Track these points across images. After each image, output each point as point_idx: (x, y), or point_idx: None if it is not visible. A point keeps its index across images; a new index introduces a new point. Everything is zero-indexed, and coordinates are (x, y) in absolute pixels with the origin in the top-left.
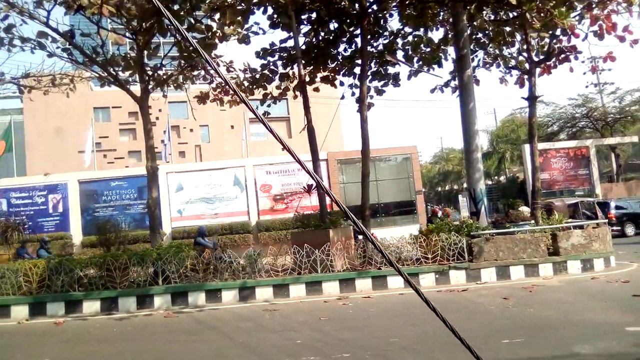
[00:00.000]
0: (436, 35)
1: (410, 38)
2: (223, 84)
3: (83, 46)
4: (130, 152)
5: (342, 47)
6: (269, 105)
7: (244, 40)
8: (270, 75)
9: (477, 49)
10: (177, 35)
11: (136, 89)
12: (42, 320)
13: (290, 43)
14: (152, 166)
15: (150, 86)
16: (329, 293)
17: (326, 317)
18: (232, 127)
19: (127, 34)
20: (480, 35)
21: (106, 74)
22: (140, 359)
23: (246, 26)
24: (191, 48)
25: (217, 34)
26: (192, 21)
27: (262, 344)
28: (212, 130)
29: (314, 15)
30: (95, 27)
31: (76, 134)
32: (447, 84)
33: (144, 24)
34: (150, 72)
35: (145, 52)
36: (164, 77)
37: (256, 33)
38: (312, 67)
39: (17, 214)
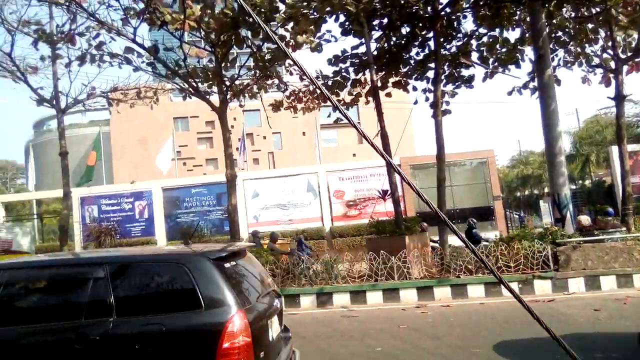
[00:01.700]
0: (512, 35)
1: (485, 39)
2: (297, 92)
3: (166, 60)
4: (207, 160)
5: (414, 51)
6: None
7: (317, 48)
8: (343, 81)
9: (557, 47)
10: (253, 46)
11: (215, 99)
12: None
13: (362, 49)
14: (231, 174)
15: (228, 96)
16: (407, 301)
17: (405, 325)
18: (304, 133)
19: (207, 47)
20: (560, 33)
21: (187, 86)
22: None
23: (318, 34)
24: (267, 57)
25: (291, 43)
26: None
27: (341, 350)
28: (284, 137)
29: (385, 20)
30: (174, 41)
31: (158, 143)
32: (525, 85)
33: (222, 36)
34: (227, 83)
35: (223, 64)
36: (241, 87)
37: (328, 41)
38: (384, 72)
39: (107, 219)
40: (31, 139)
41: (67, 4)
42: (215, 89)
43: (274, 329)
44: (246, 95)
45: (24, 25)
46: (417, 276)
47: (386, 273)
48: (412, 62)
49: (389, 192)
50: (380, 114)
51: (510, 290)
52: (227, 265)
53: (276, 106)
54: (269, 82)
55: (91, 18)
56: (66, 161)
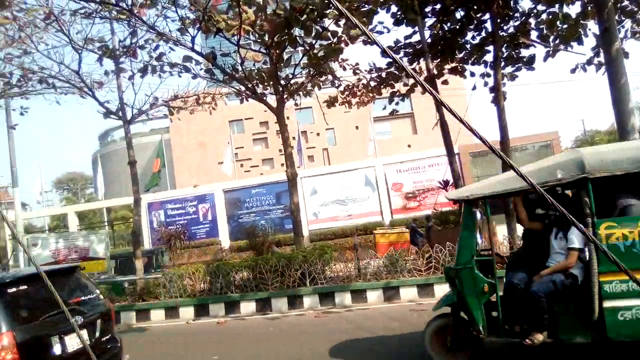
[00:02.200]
0: (573, 9)
1: (544, 16)
2: (351, 87)
3: (223, 65)
4: (263, 160)
5: (469, 35)
6: (397, 103)
7: (370, 42)
8: (397, 72)
9: (623, 18)
10: (306, 45)
11: (271, 100)
12: (206, 320)
13: (415, 38)
14: (292, 172)
15: (284, 96)
16: None
17: None
18: (357, 127)
19: (261, 49)
20: (626, 2)
21: (245, 89)
22: (299, 358)
23: (370, 27)
24: (320, 55)
25: (343, 38)
26: (320, 29)
27: (414, 343)
28: (337, 132)
29: (438, 6)
30: (229, 46)
31: (216, 147)
32: (589, 62)
33: (275, 38)
34: (283, 83)
35: (278, 65)
36: (296, 86)
37: (380, 32)
38: (439, 59)
39: (173, 223)
40: (97, 150)
41: (128, 19)
42: (271, 90)
43: (70, 344)
44: (300, 93)
45: (89, 43)
46: None
47: None
48: (468, 46)
49: (451, 181)
50: (438, 103)
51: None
52: (9, 290)
53: (331, 102)
54: (323, 78)
55: (151, 30)
56: (135, 169)
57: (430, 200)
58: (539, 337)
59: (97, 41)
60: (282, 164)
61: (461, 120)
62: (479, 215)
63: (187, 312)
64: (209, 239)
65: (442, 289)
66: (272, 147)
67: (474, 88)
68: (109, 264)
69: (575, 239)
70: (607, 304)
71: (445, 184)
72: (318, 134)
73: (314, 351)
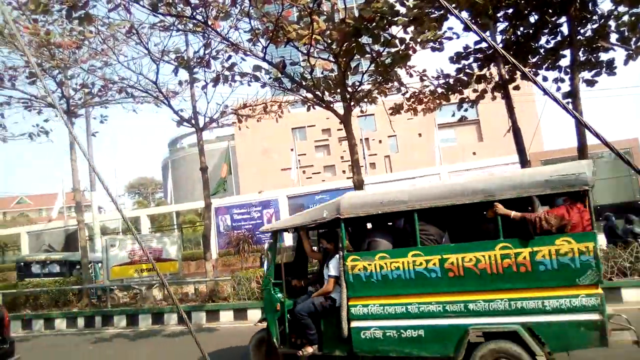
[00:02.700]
0: None
1: (625, 18)
2: (418, 94)
3: (292, 74)
4: (325, 167)
5: (543, 39)
6: (466, 110)
7: (439, 48)
8: (466, 78)
9: None
10: (373, 52)
11: (337, 107)
12: None
13: (486, 43)
14: (358, 179)
15: (352, 103)
16: None
17: None
18: (420, 135)
19: (329, 58)
20: None
21: (313, 97)
22: None
23: (439, 32)
24: (387, 62)
25: (410, 45)
26: (388, 37)
27: None
28: (400, 139)
29: (510, 10)
30: (295, 55)
31: (279, 153)
32: None
33: (344, 46)
34: (350, 90)
35: (346, 72)
36: (362, 93)
37: (450, 38)
38: (511, 64)
39: (239, 228)
40: (167, 157)
41: (203, 31)
42: (338, 97)
43: None
44: (366, 101)
45: (165, 55)
46: None
47: None
48: (541, 51)
49: None
50: (511, 109)
51: None
52: None
53: (396, 109)
54: (389, 86)
55: (224, 41)
56: (206, 175)
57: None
58: (309, 350)
59: (173, 52)
60: (344, 171)
61: (586, 125)
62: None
63: (255, 315)
64: None
65: None
66: (333, 154)
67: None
68: (180, 265)
69: (332, 267)
70: (354, 324)
71: None
72: (380, 141)
73: None
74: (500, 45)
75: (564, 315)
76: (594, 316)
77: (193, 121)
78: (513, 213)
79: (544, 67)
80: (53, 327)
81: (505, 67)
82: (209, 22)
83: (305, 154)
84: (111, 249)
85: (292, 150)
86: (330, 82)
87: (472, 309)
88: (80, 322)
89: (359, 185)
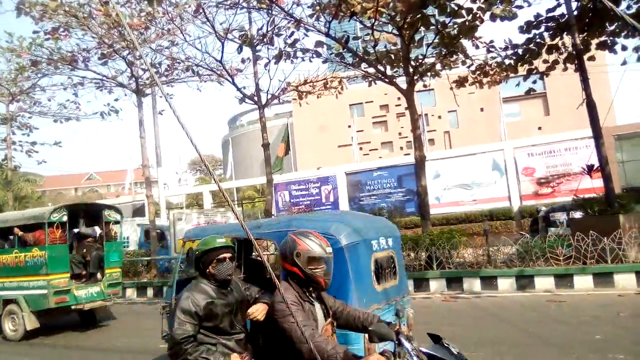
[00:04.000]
0: None
1: None
2: (484, 66)
3: (356, 49)
4: (382, 144)
5: (624, 4)
6: (534, 82)
7: (510, 16)
8: (536, 49)
9: None
10: (438, 24)
11: (400, 82)
12: None
13: (559, 11)
14: (420, 155)
15: (415, 77)
16: (623, 286)
17: (626, 313)
18: (482, 109)
19: (393, 31)
20: None
21: (375, 72)
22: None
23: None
24: (453, 33)
25: (478, 16)
26: (455, 7)
27: (554, 335)
28: (460, 114)
29: None
30: (355, 30)
31: (336, 130)
32: None
33: (408, 18)
34: (414, 64)
35: (410, 46)
36: (426, 67)
37: (520, 7)
38: (585, 34)
39: (297, 204)
40: (227, 134)
41: (268, 7)
42: (400, 71)
43: None
44: (429, 74)
45: (229, 33)
46: (636, 259)
47: (597, 255)
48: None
49: (596, 166)
50: (585, 81)
51: None
52: None
53: (460, 82)
54: (453, 58)
55: (288, 17)
56: (268, 151)
57: (565, 187)
58: None
59: (237, 30)
60: (401, 148)
61: None
62: None
63: None
64: None
65: (582, 280)
66: (391, 130)
67: (624, 63)
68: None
69: None
70: None
71: (589, 169)
72: (439, 117)
73: (444, 333)
74: (576, 12)
75: (36, 290)
76: (43, 291)
77: (255, 98)
78: (20, 233)
79: (622, 34)
80: (124, 295)
81: (580, 36)
82: None
83: (362, 130)
84: (178, 222)
85: (349, 126)
86: (393, 56)
87: (2, 286)
88: (150, 292)
89: (420, 161)
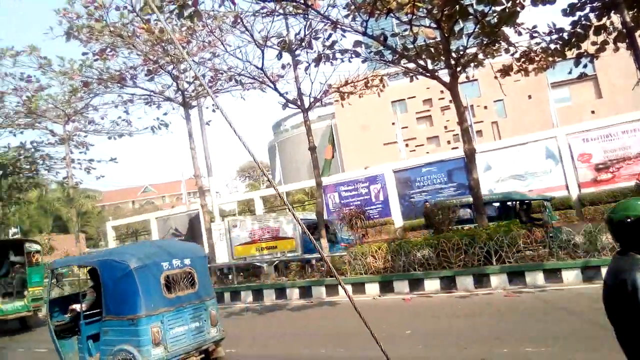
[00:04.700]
0: None
1: None
2: (528, 53)
3: (395, 46)
4: (428, 139)
5: None
6: (585, 66)
7: (550, 0)
8: (582, 31)
9: None
10: (477, 14)
11: (442, 75)
12: (391, 297)
13: None
14: (469, 148)
15: (458, 69)
16: None
17: None
18: (530, 97)
19: (431, 25)
20: None
21: (416, 67)
22: (495, 335)
23: None
24: (493, 22)
25: (518, 2)
26: None
27: None
28: (507, 103)
29: None
30: (391, 27)
31: (379, 128)
32: None
33: (445, 10)
34: (455, 56)
35: (449, 38)
36: (468, 58)
37: None
38: (635, 10)
39: (347, 204)
40: (272, 139)
41: (304, 12)
42: (442, 65)
43: None
44: (472, 65)
45: (268, 40)
46: None
47: None
48: None
49: None
50: (638, 59)
51: None
52: None
53: (505, 71)
54: (496, 47)
55: (324, 20)
56: (315, 154)
57: (626, 172)
58: None
59: (275, 37)
60: (449, 142)
61: None
62: None
63: (372, 289)
64: (382, 218)
65: None
66: (436, 124)
67: None
68: (297, 243)
69: None
70: None
71: None
72: (485, 107)
73: (513, 329)
74: None
75: None
76: None
77: (298, 102)
78: None
79: None
80: None
81: (630, 13)
82: (309, 3)
83: (407, 127)
84: (233, 229)
85: (393, 124)
86: (433, 49)
87: None
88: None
89: (470, 154)
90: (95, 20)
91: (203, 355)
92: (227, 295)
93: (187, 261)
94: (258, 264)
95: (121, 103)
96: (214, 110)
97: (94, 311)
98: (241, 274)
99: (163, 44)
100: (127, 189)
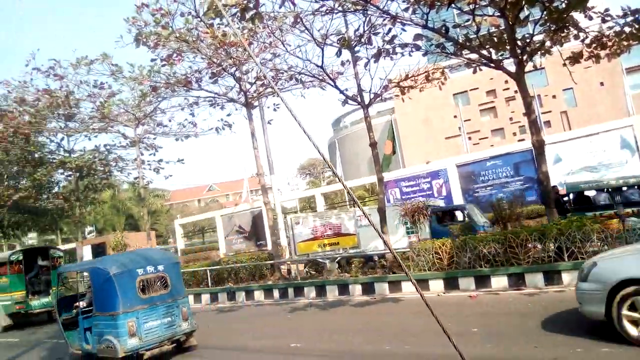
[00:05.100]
0: None
1: None
2: (600, 38)
3: (457, 37)
4: (492, 131)
5: None
6: None
7: None
8: None
9: None
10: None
11: (506, 65)
12: (456, 294)
13: None
14: (538, 140)
15: (525, 58)
16: None
17: None
18: (602, 84)
19: (495, 13)
20: None
21: (479, 57)
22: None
23: None
24: (562, 7)
25: None
26: None
27: None
28: (577, 92)
29: None
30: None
31: (441, 122)
32: None
33: None
34: (521, 44)
35: (515, 26)
36: (535, 46)
37: None
38: None
39: (409, 200)
40: (332, 136)
41: (363, 8)
42: (507, 54)
43: None
44: (538, 54)
45: (327, 38)
46: None
47: None
48: None
49: None
50: None
51: None
52: None
53: (574, 58)
54: (564, 33)
55: (384, 15)
56: (376, 150)
57: None
58: None
59: (335, 35)
60: (514, 134)
61: None
62: None
63: (436, 285)
64: None
65: None
66: (501, 116)
67: None
68: (359, 239)
69: None
70: None
71: None
72: (554, 96)
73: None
74: None
75: (5, 301)
76: (9, 302)
77: (358, 98)
78: None
79: None
80: (253, 297)
81: None
82: None
83: (470, 120)
84: (296, 226)
85: (455, 117)
86: (497, 39)
87: None
88: (276, 293)
89: (539, 146)
90: (162, 28)
91: (175, 344)
92: (290, 291)
93: (160, 267)
94: (320, 260)
95: (187, 106)
96: (275, 110)
97: (90, 308)
98: (307, 270)
99: (225, 47)
100: (193, 188)
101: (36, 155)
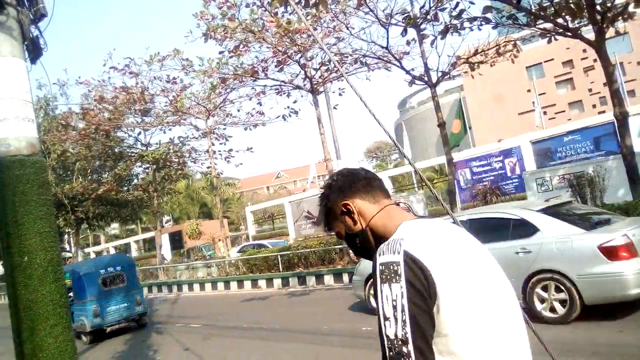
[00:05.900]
0: None
1: None
2: None
3: (529, 6)
4: (570, 104)
5: None
6: None
7: None
8: None
9: None
10: None
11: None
12: None
13: None
14: (621, 112)
15: (605, 24)
16: None
17: None
18: None
19: None
20: None
21: (554, 27)
22: None
23: None
24: None
25: None
26: None
27: None
28: None
29: None
30: None
31: (514, 97)
32: None
33: None
34: (601, 10)
35: None
36: (616, 11)
37: None
38: None
39: (480, 180)
40: (398, 118)
41: None
42: (584, 22)
43: None
44: (620, 19)
45: (391, 18)
46: None
47: None
48: None
49: None
50: None
51: None
52: None
53: None
54: None
55: None
56: (445, 131)
57: None
58: None
59: (399, 14)
60: (594, 106)
61: None
62: None
63: None
64: (518, 193)
65: None
66: (579, 88)
67: None
68: None
69: None
70: None
71: None
72: (638, 63)
73: None
74: None
75: None
76: None
77: (425, 78)
78: None
79: None
80: (323, 282)
81: None
82: None
83: (544, 93)
84: None
85: (528, 91)
86: (574, 5)
87: None
88: (345, 277)
89: (622, 118)
90: (229, 20)
91: (132, 322)
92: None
93: (118, 268)
94: None
95: (254, 95)
96: (340, 94)
97: (71, 297)
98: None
99: (290, 34)
100: (262, 175)
101: (116, 150)
